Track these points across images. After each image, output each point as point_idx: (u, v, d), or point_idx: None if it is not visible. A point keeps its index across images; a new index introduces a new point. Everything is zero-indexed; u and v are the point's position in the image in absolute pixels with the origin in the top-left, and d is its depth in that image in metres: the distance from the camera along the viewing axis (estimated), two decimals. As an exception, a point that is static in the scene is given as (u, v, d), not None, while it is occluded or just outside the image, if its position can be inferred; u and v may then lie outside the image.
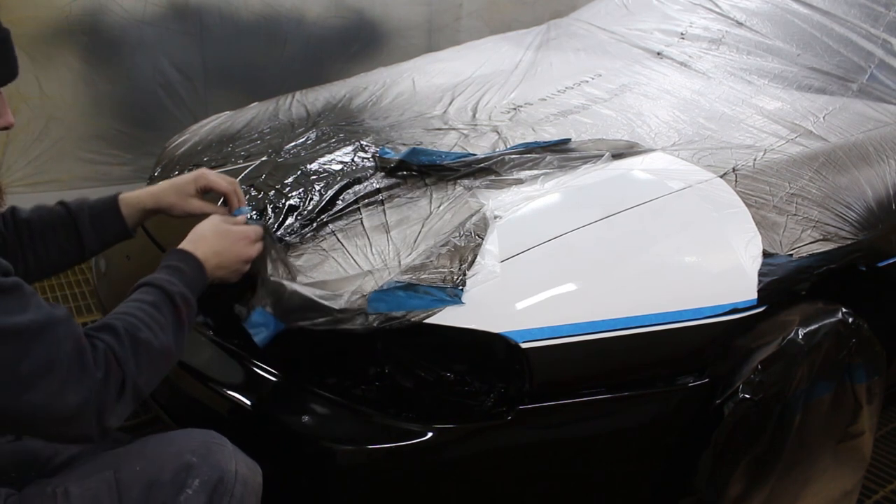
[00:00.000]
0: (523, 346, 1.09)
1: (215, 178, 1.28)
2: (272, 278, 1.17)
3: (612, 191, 1.37)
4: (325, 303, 1.11)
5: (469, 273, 1.14)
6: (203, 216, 1.21)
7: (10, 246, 1.19)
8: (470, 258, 1.17)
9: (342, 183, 1.41)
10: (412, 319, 1.09)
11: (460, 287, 1.12)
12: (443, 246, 1.20)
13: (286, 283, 1.15)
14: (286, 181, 1.48)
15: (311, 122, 1.83)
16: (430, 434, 1.10)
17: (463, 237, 1.21)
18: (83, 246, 1.23)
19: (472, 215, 1.26)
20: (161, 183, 1.29)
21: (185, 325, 1.02)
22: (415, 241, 1.23)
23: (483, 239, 1.21)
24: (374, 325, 1.09)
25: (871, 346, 1.41)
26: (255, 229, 1.19)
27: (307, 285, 1.15)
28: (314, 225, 1.32)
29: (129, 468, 0.95)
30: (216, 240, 1.13)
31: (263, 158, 1.63)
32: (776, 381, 1.24)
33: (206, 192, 1.29)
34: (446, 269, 1.15)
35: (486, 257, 1.17)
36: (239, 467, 0.98)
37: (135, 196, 1.27)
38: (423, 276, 1.13)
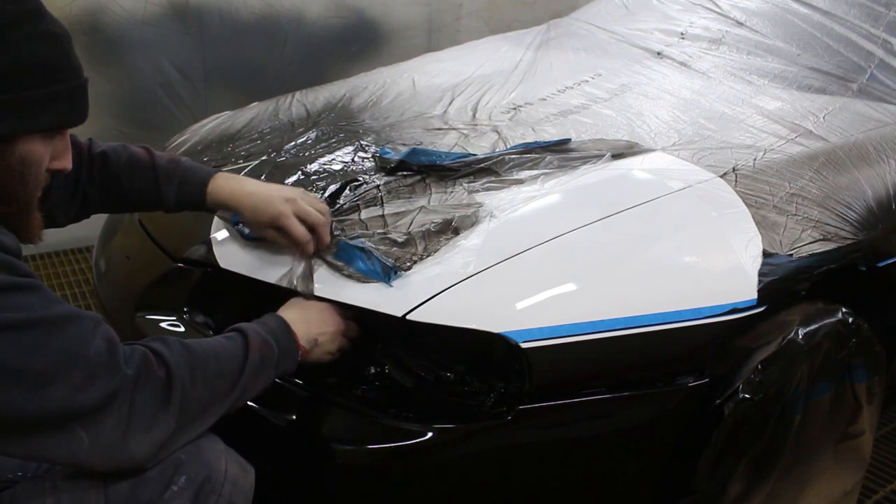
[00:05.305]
0: (523, 346, 1.09)
1: (294, 228, 1.21)
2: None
3: (612, 191, 1.37)
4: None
5: (425, 263, 1.17)
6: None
7: (92, 189, 1.25)
8: (433, 249, 1.18)
9: (342, 182, 1.41)
10: (353, 279, 1.17)
11: (399, 272, 1.15)
12: (420, 227, 1.22)
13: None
14: (286, 181, 1.48)
15: (311, 122, 1.83)
16: (430, 434, 1.10)
17: (440, 228, 1.22)
18: (160, 205, 1.30)
19: (461, 212, 1.26)
20: (248, 197, 1.24)
21: (253, 357, 1.00)
22: (407, 229, 1.24)
23: (457, 235, 1.21)
24: (328, 258, 1.22)
25: (871, 346, 1.41)
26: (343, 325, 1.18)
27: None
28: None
29: None
30: (302, 308, 1.15)
31: (263, 158, 1.63)
32: (776, 381, 1.24)
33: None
34: (406, 252, 1.18)
35: (454, 253, 1.18)
36: (229, 466, 0.97)
37: (223, 196, 1.26)
38: (382, 249, 1.18)
